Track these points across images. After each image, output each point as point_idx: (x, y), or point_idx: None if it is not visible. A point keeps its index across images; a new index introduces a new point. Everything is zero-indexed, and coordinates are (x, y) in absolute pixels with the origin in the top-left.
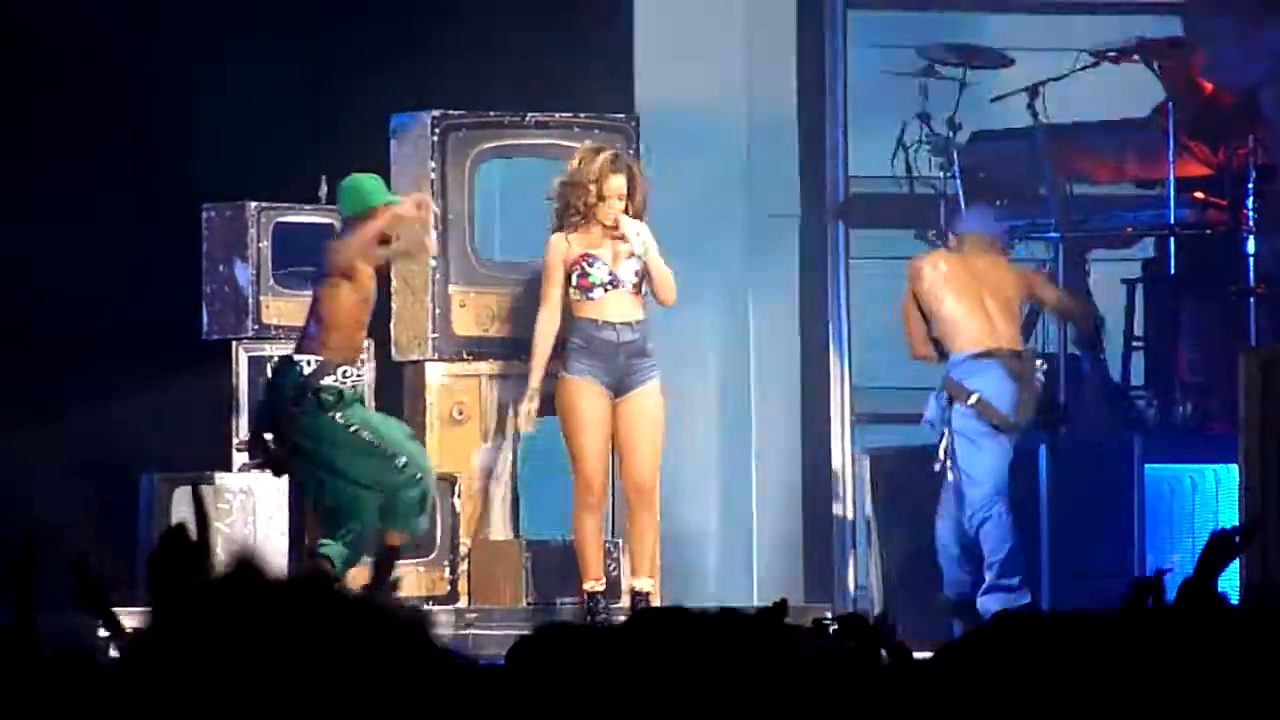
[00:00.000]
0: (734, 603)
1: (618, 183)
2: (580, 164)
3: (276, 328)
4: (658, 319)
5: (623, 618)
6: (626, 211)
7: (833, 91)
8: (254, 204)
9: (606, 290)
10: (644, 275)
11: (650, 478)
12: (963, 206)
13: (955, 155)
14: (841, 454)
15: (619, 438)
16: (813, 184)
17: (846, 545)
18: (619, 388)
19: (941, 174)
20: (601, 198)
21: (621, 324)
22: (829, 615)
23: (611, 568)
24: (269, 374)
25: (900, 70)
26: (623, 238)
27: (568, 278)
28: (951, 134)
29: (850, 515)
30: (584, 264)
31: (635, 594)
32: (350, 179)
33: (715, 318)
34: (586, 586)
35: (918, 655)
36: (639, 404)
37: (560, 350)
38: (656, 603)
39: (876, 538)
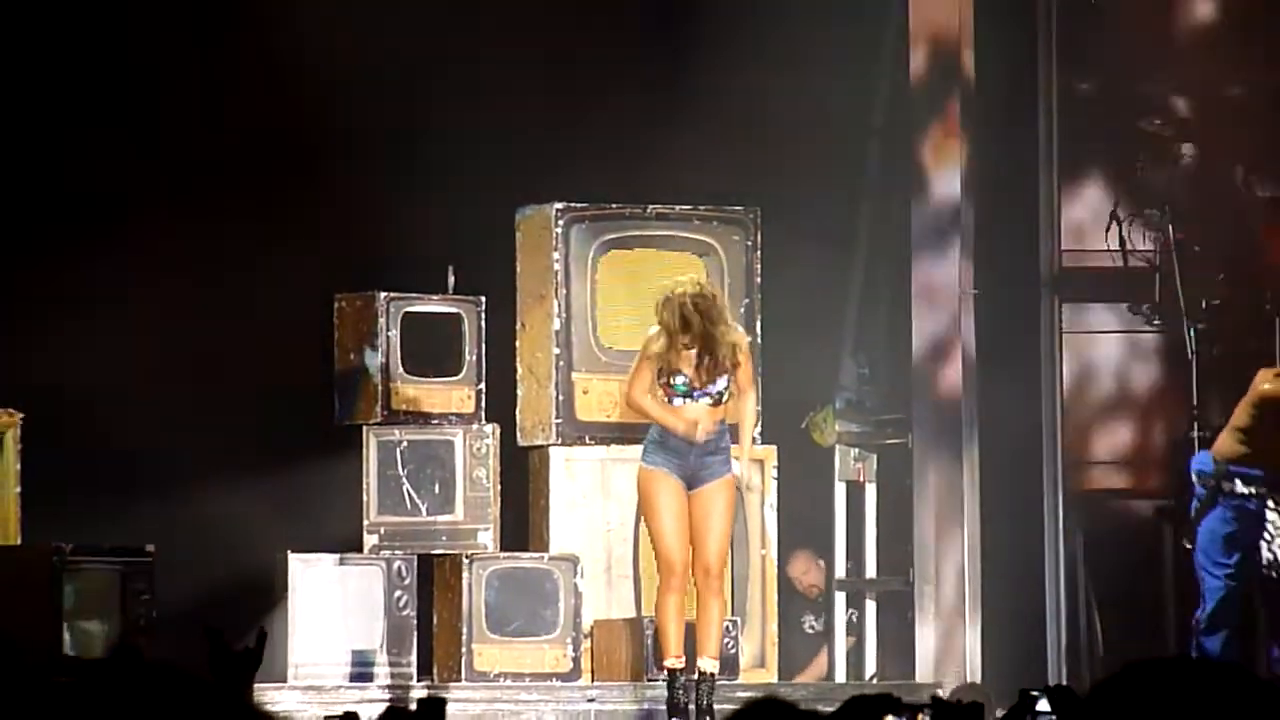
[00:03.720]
0: (948, 679)
1: (689, 330)
2: (659, 315)
3: (405, 413)
4: None
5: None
6: (706, 341)
7: (1047, 163)
8: (384, 294)
9: (685, 400)
10: (726, 393)
11: (716, 564)
12: (1177, 280)
13: (1170, 230)
14: (1055, 527)
15: (691, 526)
16: (1012, 258)
17: (1062, 622)
18: (691, 481)
19: (1155, 248)
20: (679, 345)
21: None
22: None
23: (729, 645)
24: None
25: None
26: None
27: (658, 372)
28: (1165, 207)
29: (1063, 589)
30: (670, 376)
31: (701, 674)
32: None
33: None
34: (666, 664)
35: None
36: (709, 497)
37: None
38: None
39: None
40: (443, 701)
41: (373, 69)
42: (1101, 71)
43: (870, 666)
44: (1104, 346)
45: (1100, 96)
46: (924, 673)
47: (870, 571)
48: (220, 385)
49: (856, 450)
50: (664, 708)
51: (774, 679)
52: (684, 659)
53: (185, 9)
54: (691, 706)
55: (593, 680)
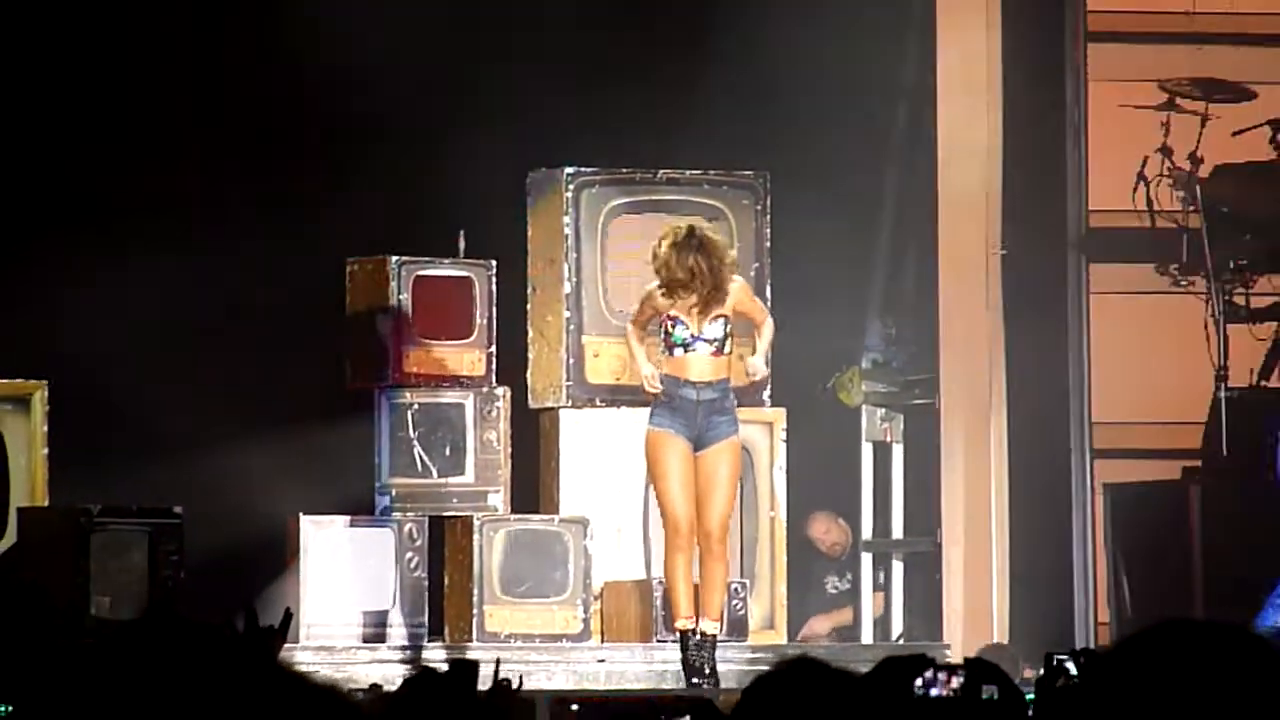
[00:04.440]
0: (976, 639)
1: (686, 262)
2: (655, 247)
3: (416, 376)
4: None
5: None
6: (709, 282)
7: (1073, 125)
8: (395, 258)
9: (686, 350)
10: (728, 338)
11: (718, 528)
12: (1205, 240)
13: (1197, 189)
14: (1083, 488)
15: (696, 488)
16: (1040, 219)
17: (1089, 583)
18: (698, 442)
19: (1183, 208)
20: (675, 279)
21: (701, 383)
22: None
23: (738, 607)
24: None
25: (1141, 104)
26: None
27: (658, 329)
28: (1193, 168)
29: (1090, 550)
30: (669, 324)
31: (702, 635)
32: None
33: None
34: (678, 625)
35: None
36: (714, 459)
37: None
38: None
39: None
40: (475, 664)
41: (384, 35)
42: (1127, 32)
43: (897, 627)
44: (1131, 307)
45: (1127, 56)
46: (951, 634)
47: (897, 532)
48: (234, 349)
49: (883, 410)
50: (674, 668)
51: (783, 640)
52: (695, 619)
53: None
54: (708, 667)
55: (602, 641)
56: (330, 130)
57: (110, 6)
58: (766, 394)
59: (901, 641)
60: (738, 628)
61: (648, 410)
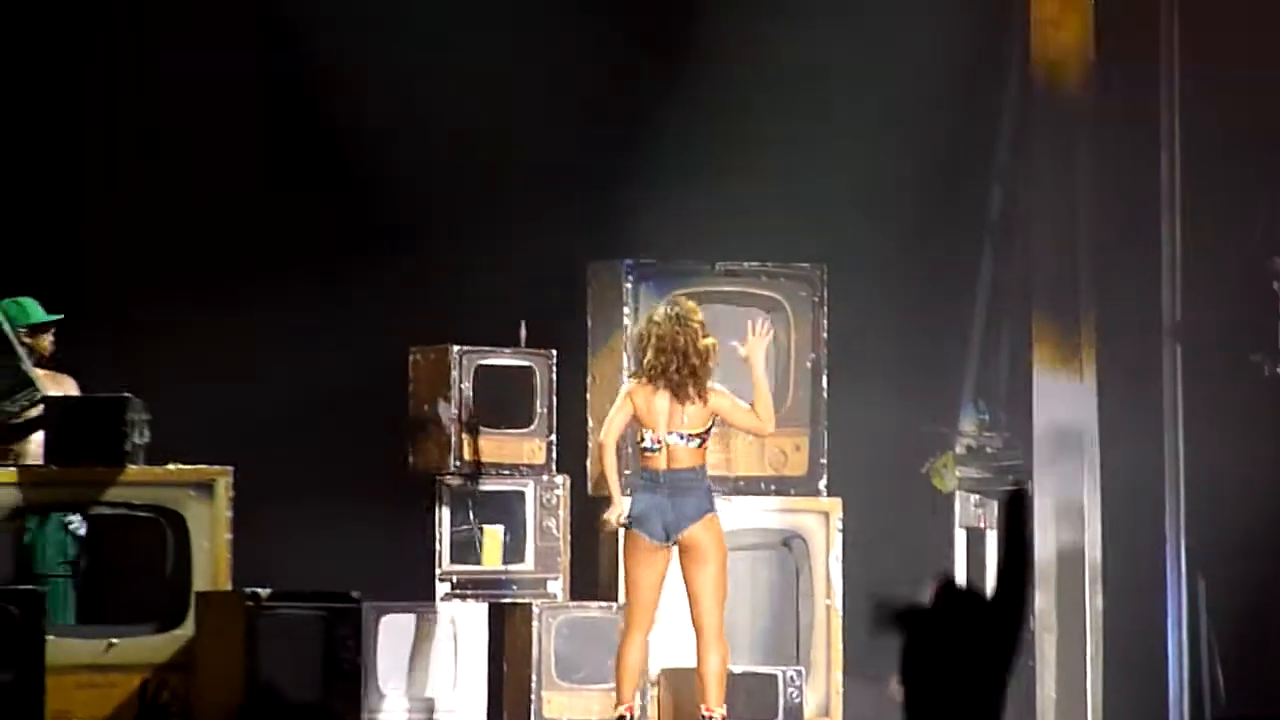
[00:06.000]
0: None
1: (665, 335)
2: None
3: (477, 464)
4: None
5: None
6: (682, 384)
7: (1169, 205)
8: (458, 347)
9: (656, 449)
10: (706, 435)
11: (710, 628)
12: None
13: None
14: (1178, 574)
15: (685, 581)
16: (1135, 304)
17: (1184, 671)
18: (671, 529)
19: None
20: (653, 350)
21: (670, 471)
22: None
23: (794, 695)
24: None
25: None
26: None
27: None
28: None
29: (1185, 637)
30: (641, 431)
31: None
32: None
33: None
34: (619, 711)
35: None
36: (697, 555)
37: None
38: None
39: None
40: None
41: (449, 127)
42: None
43: None
44: (1226, 393)
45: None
46: (1045, 718)
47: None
48: (303, 434)
49: (977, 496)
50: None
51: None
52: (634, 710)
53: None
54: None
55: None
56: (395, 221)
57: (171, 87)
58: (823, 484)
59: None
60: (793, 715)
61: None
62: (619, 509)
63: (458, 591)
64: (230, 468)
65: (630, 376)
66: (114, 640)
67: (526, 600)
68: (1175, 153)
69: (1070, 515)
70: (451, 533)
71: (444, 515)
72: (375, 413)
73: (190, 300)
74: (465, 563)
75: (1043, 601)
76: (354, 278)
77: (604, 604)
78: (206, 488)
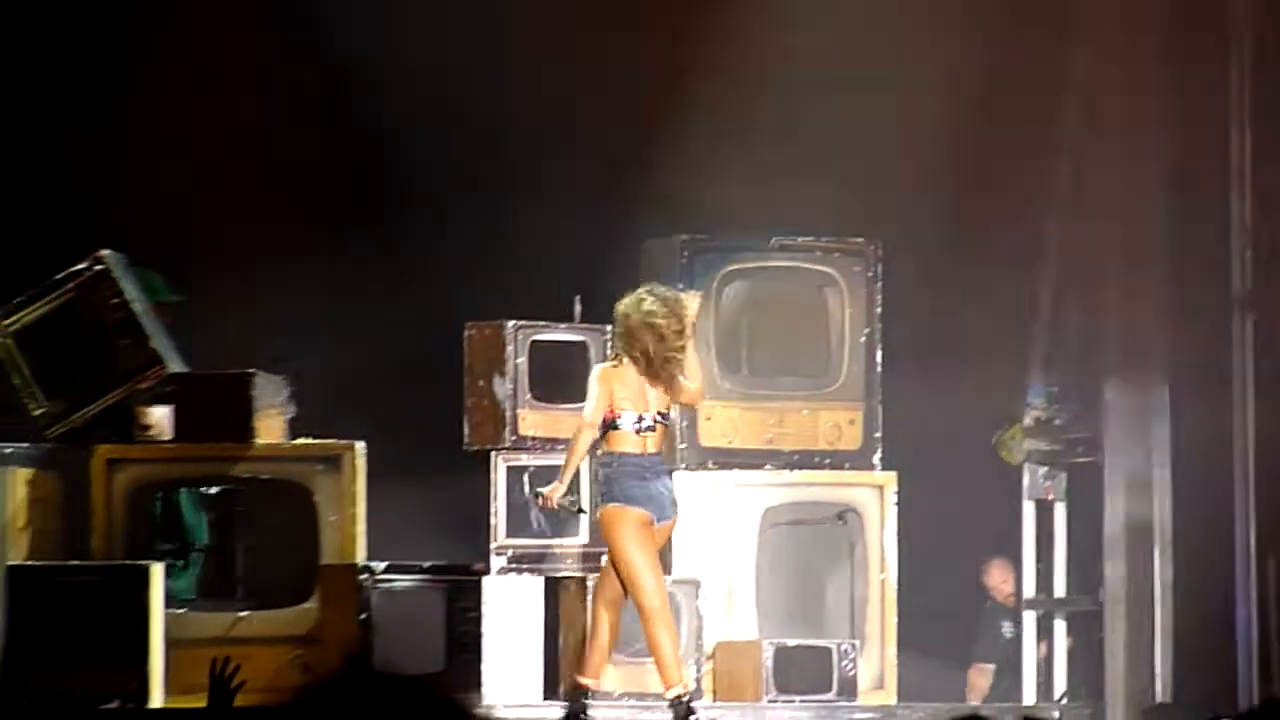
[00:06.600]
0: (1138, 699)
1: (658, 322)
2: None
3: (532, 439)
4: None
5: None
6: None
7: (1239, 176)
8: (512, 323)
9: (653, 428)
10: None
11: (659, 600)
12: None
13: None
14: (1247, 548)
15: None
16: (1203, 275)
17: (1253, 644)
18: (661, 513)
19: None
20: (646, 334)
21: (654, 454)
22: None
23: (848, 668)
24: None
25: None
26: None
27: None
28: None
29: (1255, 611)
30: (622, 414)
31: (677, 699)
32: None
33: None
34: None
35: None
36: (664, 536)
37: None
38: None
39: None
40: None
41: (506, 103)
42: None
43: (1060, 686)
44: None
45: None
46: (1113, 693)
47: (1060, 591)
48: (361, 410)
49: (1046, 469)
50: None
51: (893, 700)
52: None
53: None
54: None
55: (714, 700)
56: (453, 198)
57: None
58: (877, 458)
59: (1065, 701)
60: (847, 688)
61: (761, 473)
62: (564, 491)
63: (513, 565)
64: (360, 442)
65: (610, 359)
66: (242, 614)
67: (581, 574)
68: (1245, 122)
69: (1140, 488)
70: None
71: (499, 490)
72: (431, 388)
73: (246, 276)
74: (521, 537)
75: (1112, 573)
76: (410, 254)
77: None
78: (334, 461)
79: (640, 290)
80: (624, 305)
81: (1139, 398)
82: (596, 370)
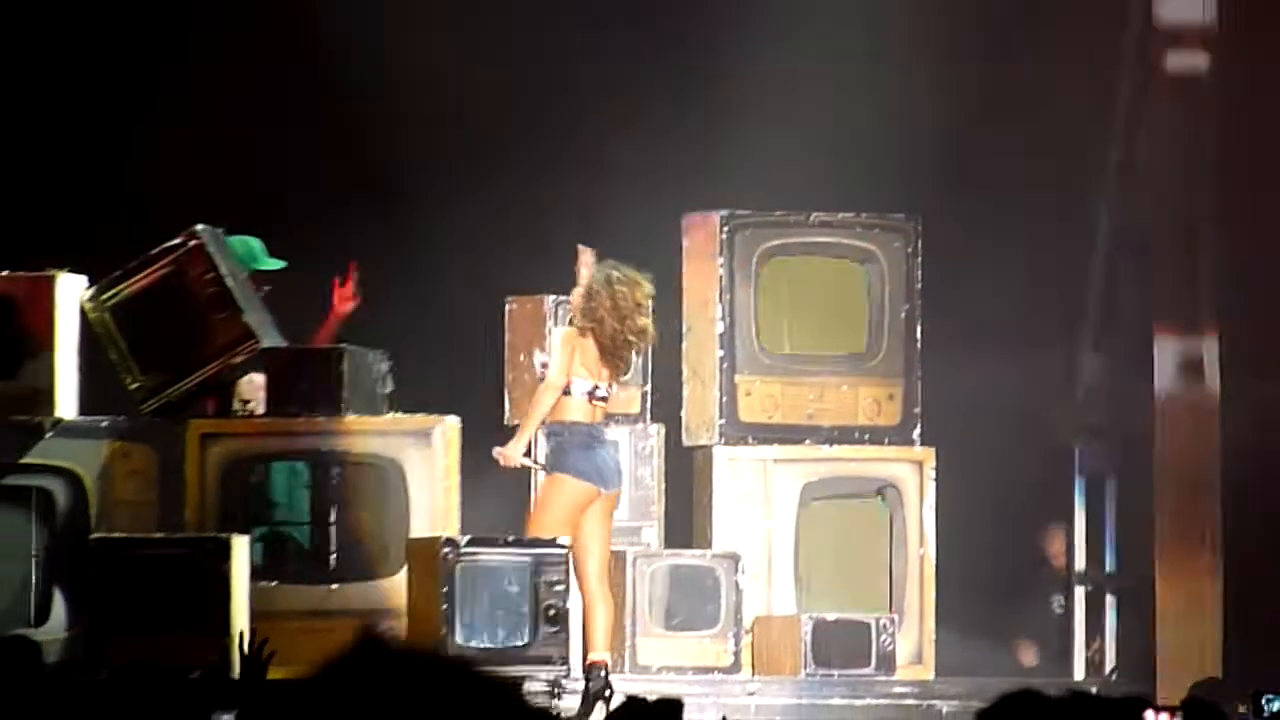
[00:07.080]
0: (1187, 675)
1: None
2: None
3: None
4: None
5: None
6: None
7: None
8: (552, 297)
9: (607, 397)
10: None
11: (601, 569)
12: None
13: None
14: None
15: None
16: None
17: None
18: (609, 484)
19: None
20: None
21: (603, 423)
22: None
23: (886, 643)
24: None
25: None
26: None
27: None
28: None
29: None
30: (593, 385)
31: (594, 664)
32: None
33: None
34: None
35: None
36: (610, 499)
37: None
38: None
39: None
40: (680, 705)
41: (543, 78)
42: None
43: (1110, 661)
44: None
45: None
46: (1163, 669)
47: (1110, 567)
48: (401, 384)
49: (1097, 445)
50: (823, 702)
51: (931, 675)
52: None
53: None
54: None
55: (753, 674)
56: (492, 169)
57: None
58: (917, 433)
59: (1115, 677)
60: (885, 663)
61: (800, 448)
62: (523, 450)
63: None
64: (454, 417)
65: (575, 326)
66: (334, 586)
67: (621, 548)
68: None
69: (1190, 468)
70: None
71: (541, 462)
72: (472, 362)
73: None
74: None
75: (1163, 549)
76: (451, 229)
77: (698, 552)
78: (425, 436)
79: (608, 266)
80: (595, 280)
81: (1192, 371)
82: (562, 332)
